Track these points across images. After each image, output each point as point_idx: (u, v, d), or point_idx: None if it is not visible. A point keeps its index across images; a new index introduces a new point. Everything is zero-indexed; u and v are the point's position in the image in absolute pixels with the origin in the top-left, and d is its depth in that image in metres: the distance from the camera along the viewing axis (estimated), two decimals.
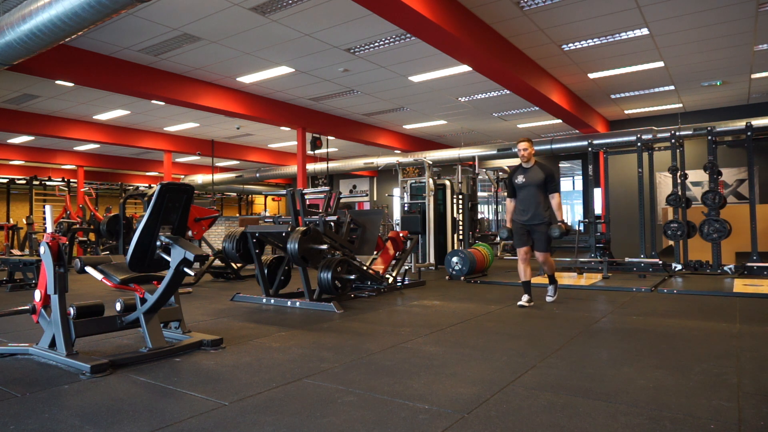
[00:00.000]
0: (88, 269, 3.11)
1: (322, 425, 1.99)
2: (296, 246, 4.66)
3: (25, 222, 10.96)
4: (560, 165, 15.31)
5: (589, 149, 8.45)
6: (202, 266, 7.03)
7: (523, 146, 4.80)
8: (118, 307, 3.12)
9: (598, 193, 12.51)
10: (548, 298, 4.97)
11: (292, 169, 16.37)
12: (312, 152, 12.25)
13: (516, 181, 4.84)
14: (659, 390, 2.35)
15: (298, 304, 4.97)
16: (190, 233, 6.79)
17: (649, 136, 9.25)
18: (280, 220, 6.05)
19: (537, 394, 2.32)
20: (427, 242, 8.82)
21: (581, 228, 10.59)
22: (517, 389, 2.39)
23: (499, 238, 4.95)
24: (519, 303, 4.74)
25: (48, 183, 14.19)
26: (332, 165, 15.34)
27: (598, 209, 12.40)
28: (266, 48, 7.40)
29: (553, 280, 5.00)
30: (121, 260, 3.20)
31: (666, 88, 9.76)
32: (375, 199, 19.63)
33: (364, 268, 5.74)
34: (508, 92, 9.50)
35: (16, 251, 10.32)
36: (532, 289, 4.93)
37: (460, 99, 10.40)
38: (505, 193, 13.57)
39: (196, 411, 2.16)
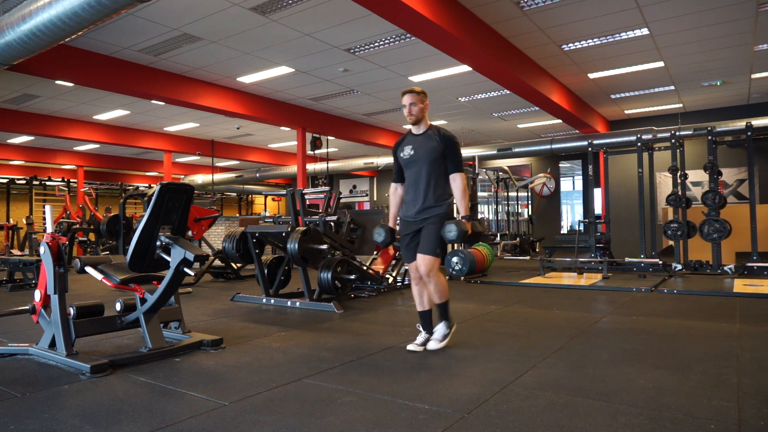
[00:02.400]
0: (88, 269, 3.11)
1: (322, 425, 1.99)
2: (296, 246, 4.66)
3: (25, 222, 10.95)
4: (560, 165, 15.31)
5: (589, 149, 8.45)
6: (202, 266, 7.03)
7: (409, 99, 3.14)
8: (118, 307, 3.12)
9: (598, 193, 12.51)
10: (432, 344, 3.15)
11: (292, 169, 16.37)
12: (312, 152, 12.25)
13: (401, 154, 3.23)
14: (659, 390, 2.35)
15: (298, 304, 4.97)
16: (190, 233, 6.79)
17: (649, 136, 9.25)
18: (280, 220, 6.05)
19: (537, 394, 2.32)
20: None
21: (581, 228, 10.58)
22: (517, 389, 2.39)
23: (377, 240, 3.38)
24: (409, 347, 3.16)
25: (48, 183, 14.19)
26: (332, 165, 15.34)
27: (598, 209, 12.40)
28: (266, 48, 7.40)
29: (444, 312, 3.19)
30: (121, 260, 3.20)
31: (666, 88, 9.76)
32: (375, 199, 19.62)
33: (364, 268, 5.74)
34: (508, 92, 9.50)
35: (16, 251, 10.32)
36: (532, 289, 4.81)
37: (460, 99, 10.40)
38: (505, 193, 13.72)
39: (196, 411, 2.16)
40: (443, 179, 3.15)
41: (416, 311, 3.27)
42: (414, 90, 3.18)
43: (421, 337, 3.21)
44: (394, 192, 3.37)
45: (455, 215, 3.14)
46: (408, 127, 3.28)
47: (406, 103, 3.16)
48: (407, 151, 3.20)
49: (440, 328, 3.20)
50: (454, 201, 3.19)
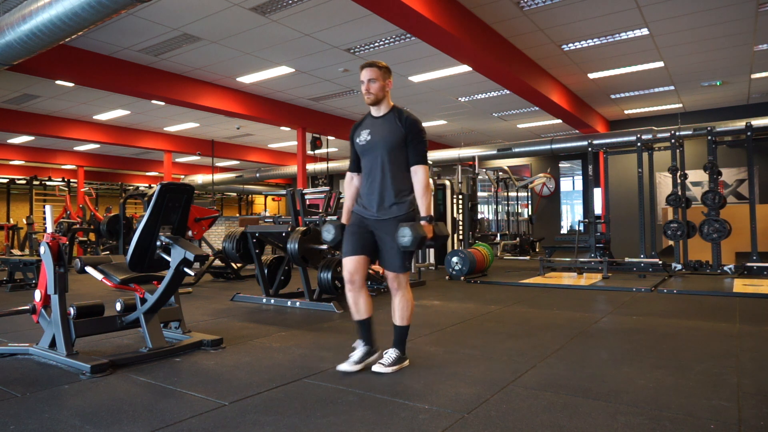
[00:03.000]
0: (88, 269, 3.11)
1: (322, 425, 1.99)
2: (296, 246, 4.66)
3: (25, 222, 10.96)
4: (560, 165, 15.31)
5: (589, 149, 8.45)
6: (202, 266, 7.03)
7: (367, 74, 2.67)
8: (118, 307, 3.12)
9: (598, 193, 12.50)
10: (379, 367, 2.66)
11: (292, 169, 16.37)
12: (312, 152, 12.25)
13: (357, 140, 2.78)
14: (659, 390, 2.35)
15: (298, 304, 4.97)
16: (190, 233, 6.79)
17: (649, 136, 9.25)
18: (280, 220, 6.06)
19: (537, 394, 2.32)
20: None
21: (581, 228, 10.59)
22: (517, 389, 2.39)
23: (326, 239, 2.88)
24: (342, 366, 2.68)
25: (48, 183, 14.19)
26: (332, 165, 15.34)
27: (598, 209, 12.40)
28: (266, 48, 7.40)
29: (401, 338, 2.76)
30: (121, 260, 3.20)
31: (666, 88, 9.76)
32: None
33: None
34: (508, 92, 9.50)
35: (16, 251, 10.33)
36: (532, 289, 4.77)
37: (460, 99, 10.40)
38: (505, 193, 13.72)
39: (196, 411, 2.16)
40: (404, 171, 2.69)
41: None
42: (374, 64, 2.69)
43: (360, 350, 2.71)
44: (349, 183, 2.87)
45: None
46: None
47: (364, 79, 2.67)
48: (364, 136, 2.73)
49: (391, 354, 2.70)
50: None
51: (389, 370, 2.65)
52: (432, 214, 2.66)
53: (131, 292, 3.20)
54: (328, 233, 2.85)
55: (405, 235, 2.50)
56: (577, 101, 10.25)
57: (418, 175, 2.66)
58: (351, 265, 2.70)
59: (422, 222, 2.59)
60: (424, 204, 2.65)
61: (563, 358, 2.93)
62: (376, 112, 2.75)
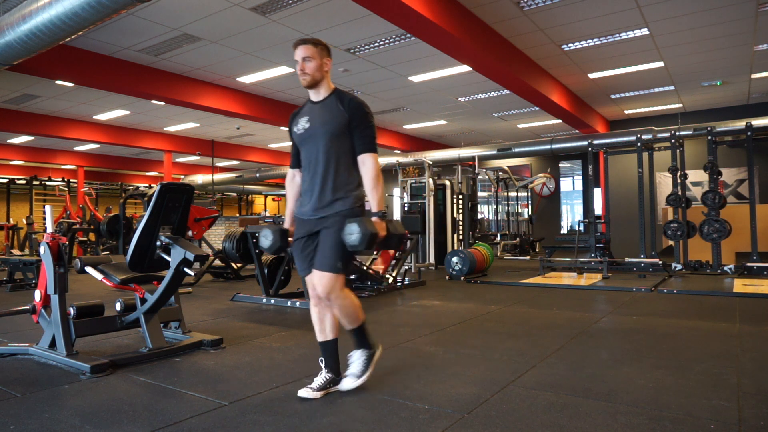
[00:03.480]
0: (88, 269, 3.11)
1: (322, 425, 2.00)
2: None
3: (25, 222, 10.96)
4: (560, 165, 15.31)
5: (589, 149, 8.45)
6: (202, 266, 7.03)
7: (302, 52, 2.34)
8: (118, 307, 3.12)
9: (598, 193, 12.50)
10: (348, 382, 2.39)
11: None
12: None
13: (295, 129, 2.45)
14: (659, 390, 2.35)
15: (298, 304, 4.97)
16: (190, 233, 6.79)
17: (649, 136, 9.25)
18: (280, 220, 6.05)
19: (537, 394, 2.32)
20: (427, 242, 8.82)
21: (581, 228, 10.59)
22: (517, 389, 2.39)
23: (263, 245, 2.46)
24: (302, 392, 2.33)
25: (48, 183, 14.19)
26: None
27: (598, 209, 12.40)
28: (266, 48, 7.40)
29: (360, 337, 2.45)
30: (121, 260, 3.20)
31: (666, 88, 9.76)
32: None
33: (364, 268, 5.74)
34: (508, 92, 9.50)
35: (16, 251, 10.33)
36: (532, 289, 4.76)
37: (460, 99, 10.39)
38: (505, 193, 13.73)
39: (196, 411, 2.16)
40: (349, 162, 2.34)
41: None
42: (309, 40, 2.35)
43: (322, 376, 2.37)
44: (291, 182, 2.52)
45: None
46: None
47: (298, 58, 2.33)
48: (302, 125, 2.39)
49: (357, 359, 2.42)
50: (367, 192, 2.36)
51: (360, 381, 2.38)
52: (384, 209, 2.33)
53: (131, 292, 3.20)
54: (266, 239, 2.44)
55: (353, 232, 2.15)
56: (577, 101, 10.25)
57: (367, 165, 2.32)
58: (311, 283, 2.35)
59: (373, 218, 2.25)
60: (375, 198, 2.31)
61: (563, 358, 2.93)
62: (315, 96, 2.41)
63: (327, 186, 2.32)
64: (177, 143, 13.79)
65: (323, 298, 2.30)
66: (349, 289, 2.35)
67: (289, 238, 2.47)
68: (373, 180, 2.31)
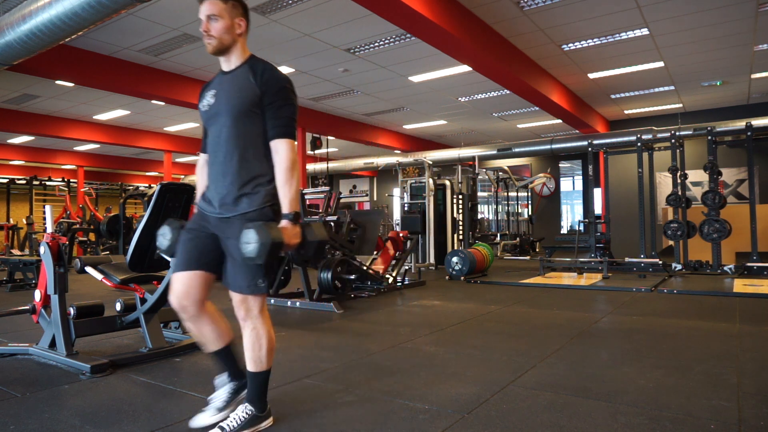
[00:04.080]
0: (88, 269, 3.11)
1: (322, 425, 1.99)
2: None
3: (25, 222, 10.96)
4: (560, 165, 15.31)
5: (589, 149, 8.45)
6: None
7: (207, 9, 1.92)
8: (118, 307, 3.12)
9: (598, 193, 12.51)
10: (201, 417, 2.01)
11: None
12: (312, 152, 12.26)
13: (201, 105, 2.05)
14: (659, 390, 2.35)
15: (298, 304, 4.97)
16: None
17: (649, 136, 9.25)
18: None
19: (537, 394, 2.32)
20: (427, 242, 8.82)
21: (581, 228, 10.59)
22: (517, 389, 2.39)
23: (160, 246, 2.03)
24: (194, 421, 2.00)
25: (48, 183, 14.18)
26: (332, 165, 15.33)
27: (598, 209, 12.40)
28: (266, 48, 7.40)
29: (257, 389, 1.96)
30: (121, 260, 3.20)
31: (666, 88, 9.76)
32: (375, 199, 19.62)
33: (364, 268, 5.74)
34: (508, 92, 9.49)
35: (16, 251, 10.33)
36: (532, 289, 4.75)
37: (460, 99, 10.39)
38: (505, 193, 13.73)
39: (197, 411, 2.16)
40: (260, 149, 1.89)
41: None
42: None
43: (223, 391, 2.05)
44: (200, 169, 2.09)
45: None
46: None
47: (202, 17, 1.91)
48: (207, 100, 1.98)
49: (240, 412, 1.91)
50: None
51: (217, 418, 1.96)
52: (299, 210, 1.85)
53: (131, 292, 3.20)
54: (164, 238, 2.02)
55: (249, 240, 1.71)
56: (577, 101, 10.25)
57: (280, 153, 1.86)
58: (180, 285, 1.90)
59: (283, 222, 1.81)
60: (287, 195, 1.83)
61: (563, 358, 2.93)
62: (226, 65, 1.97)
63: (230, 179, 1.88)
64: (177, 143, 13.79)
65: (240, 320, 1.91)
66: (269, 320, 1.94)
67: None
68: (286, 172, 1.84)
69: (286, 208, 1.84)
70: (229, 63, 1.97)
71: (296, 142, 1.91)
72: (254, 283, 1.85)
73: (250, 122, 1.88)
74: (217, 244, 1.93)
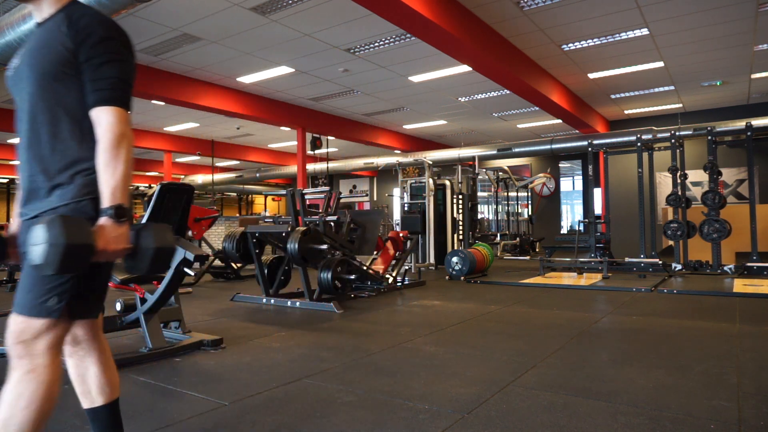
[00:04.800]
0: None
1: (322, 425, 1.99)
2: (296, 246, 4.66)
3: None
4: (560, 165, 15.31)
5: (589, 149, 8.45)
6: (202, 266, 7.03)
7: None
8: (118, 307, 3.12)
9: (598, 193, 12.51)
10: None
11: (292, 169, 16.38)
12: (312, 152, 12.26)
13: (7, 70, 1.45)
14: (659, 390, 2.35)
15: (298, 304, 4.97)
16: (190, 233, 6.79)
17: (649, 136, 9.26)
18: (280, 220, 6.05)
19: (537, 394, 2.32)
20: (427, 242, 8.82)
21: (581, 228, 10.59)
22: (517, 389, 2.39)
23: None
24: None
25: None
26: (332, 165, 15.34)
27: (598, 209, 12.41)
28: (266, 48, 7.40)
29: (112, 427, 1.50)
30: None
31: (666, 88, 9.76)
32: (375, 199, 19.63)
33: (364, 268, 5.74)
34: (508, 92, 9.50)
35: None
36: (532, 289, 4.73)
37: (460, 99, 10.40)
38: (505, 193, 13.73)
39: (196, 411, 2.16)
40: (76, 124, 1.37)
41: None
42: None
43: None
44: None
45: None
46: None
47: None
48: (14, 62, 1.44)
49: None
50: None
51: None
52: (125, 203, 1.33)
53: (131, 292, 3.20)
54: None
55: (37, 240, 1.18)
56: (577, 101, 10.25)
57: (102, 124, 1.35)
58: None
59: (101, 219, 1.28)
60: (109, 183, 1.31)
61: (563, 358, 2.93)
62: (38, 14, 1.42)
63: (36, 163, 1.38)
64: (177, 143, 13.79)
65: (14, 357, 1.27)
66: (59, 372, 1.30)
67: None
68: (109, 151, 1.33)
69: (107, 199, 1.29)
70: (40, 10, 1.41)
71: (129, 112, 1.43)
72: (40, 302, 1.26)
73: (63, 88, 1.34)
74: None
